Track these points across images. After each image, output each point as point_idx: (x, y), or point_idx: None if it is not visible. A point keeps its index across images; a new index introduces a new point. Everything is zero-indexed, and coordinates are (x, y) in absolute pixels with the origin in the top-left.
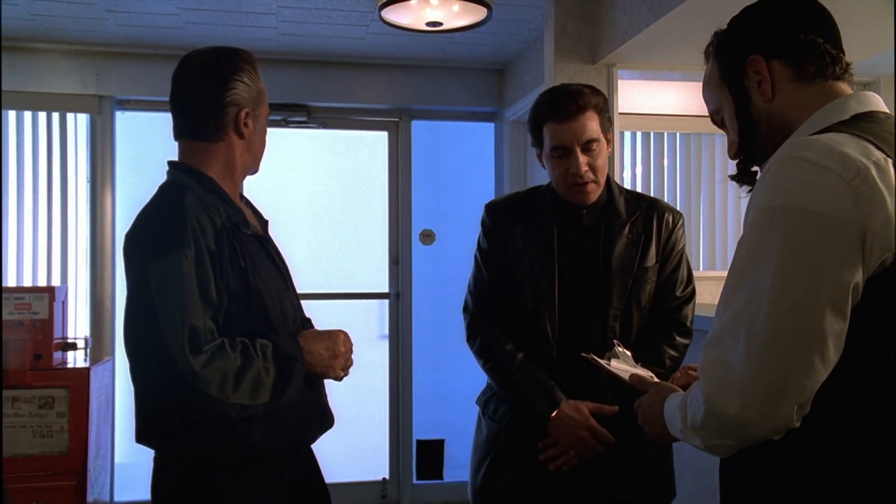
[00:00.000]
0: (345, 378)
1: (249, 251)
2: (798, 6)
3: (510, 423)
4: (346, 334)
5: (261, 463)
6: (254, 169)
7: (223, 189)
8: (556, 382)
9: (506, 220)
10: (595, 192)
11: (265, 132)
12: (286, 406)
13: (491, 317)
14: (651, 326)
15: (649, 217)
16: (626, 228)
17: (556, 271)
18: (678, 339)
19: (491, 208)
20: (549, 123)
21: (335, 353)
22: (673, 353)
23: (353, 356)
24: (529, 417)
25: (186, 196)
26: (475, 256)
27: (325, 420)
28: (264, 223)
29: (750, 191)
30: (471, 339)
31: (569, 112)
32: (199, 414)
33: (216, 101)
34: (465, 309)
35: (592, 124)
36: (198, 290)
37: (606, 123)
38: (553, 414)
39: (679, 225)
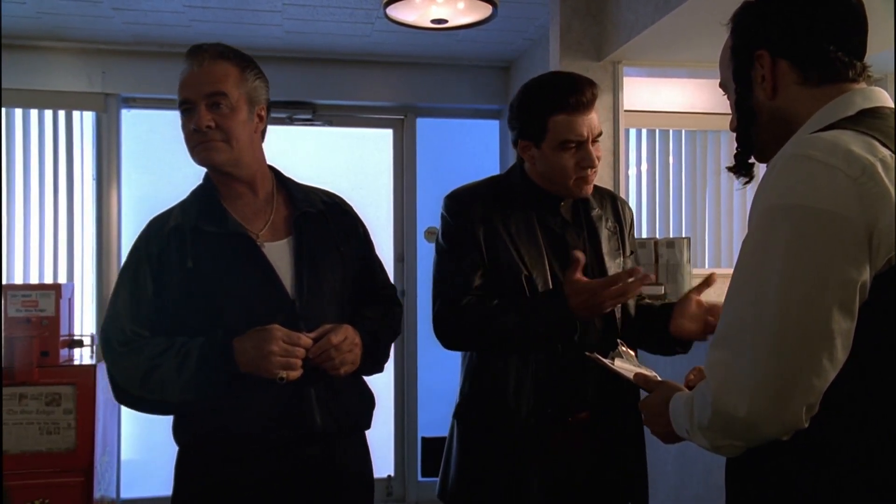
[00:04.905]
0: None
1: (206, 252)
2: (815, 7)
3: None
4: (284, 332)
5: (221, 448)
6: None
7: (215, 188)
8: (564, 382)
9: (479, 207)
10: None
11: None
12: (227, 398)
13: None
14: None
15: (615, 208)
16: (604, 219)
17: (546, 263)
18: None
19: (457, 196)
20: (560, 115)
21: (263, 352)
22: None
23: (333, 356)
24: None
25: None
26: (441, 251)
27: (295, 420)
28: (304, 214)
29: (746, 183)
30: (441, 330)
31: (586, 102)
32: (124, 403)
33: None
34: (437, 320)
35: (597, 116)
36: (128, 297)
37: None
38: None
39: (633, 216)
